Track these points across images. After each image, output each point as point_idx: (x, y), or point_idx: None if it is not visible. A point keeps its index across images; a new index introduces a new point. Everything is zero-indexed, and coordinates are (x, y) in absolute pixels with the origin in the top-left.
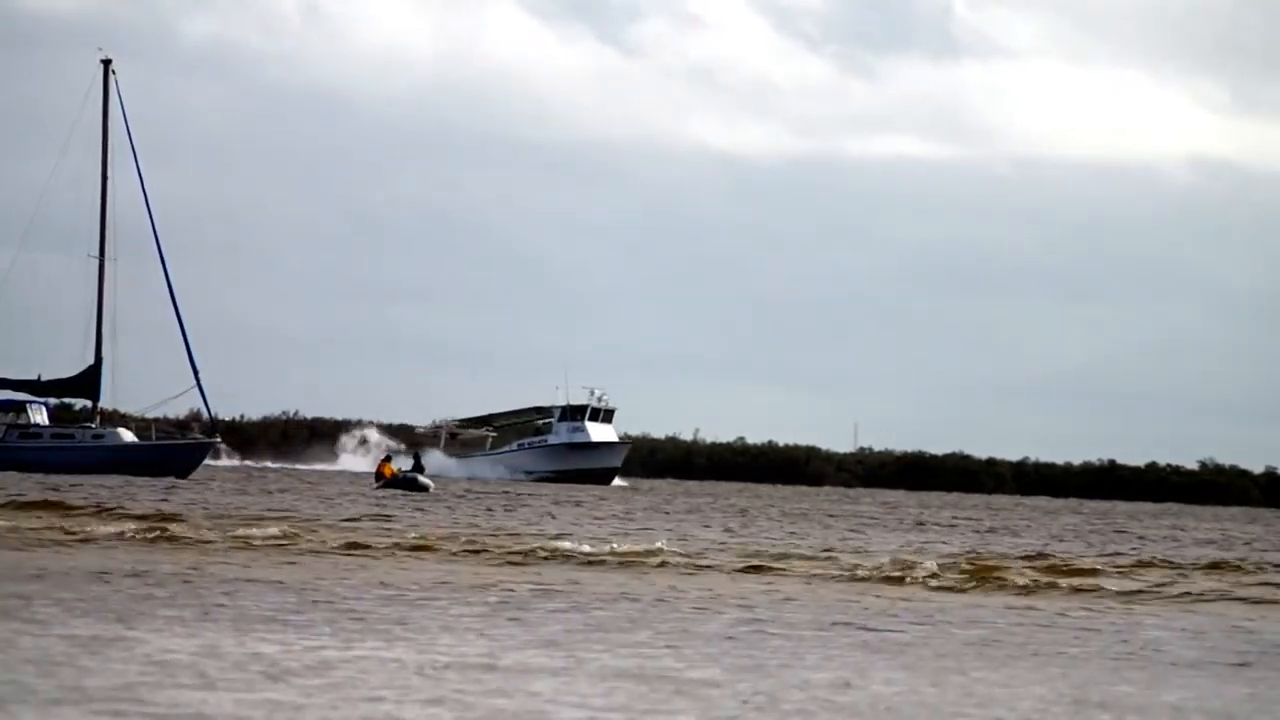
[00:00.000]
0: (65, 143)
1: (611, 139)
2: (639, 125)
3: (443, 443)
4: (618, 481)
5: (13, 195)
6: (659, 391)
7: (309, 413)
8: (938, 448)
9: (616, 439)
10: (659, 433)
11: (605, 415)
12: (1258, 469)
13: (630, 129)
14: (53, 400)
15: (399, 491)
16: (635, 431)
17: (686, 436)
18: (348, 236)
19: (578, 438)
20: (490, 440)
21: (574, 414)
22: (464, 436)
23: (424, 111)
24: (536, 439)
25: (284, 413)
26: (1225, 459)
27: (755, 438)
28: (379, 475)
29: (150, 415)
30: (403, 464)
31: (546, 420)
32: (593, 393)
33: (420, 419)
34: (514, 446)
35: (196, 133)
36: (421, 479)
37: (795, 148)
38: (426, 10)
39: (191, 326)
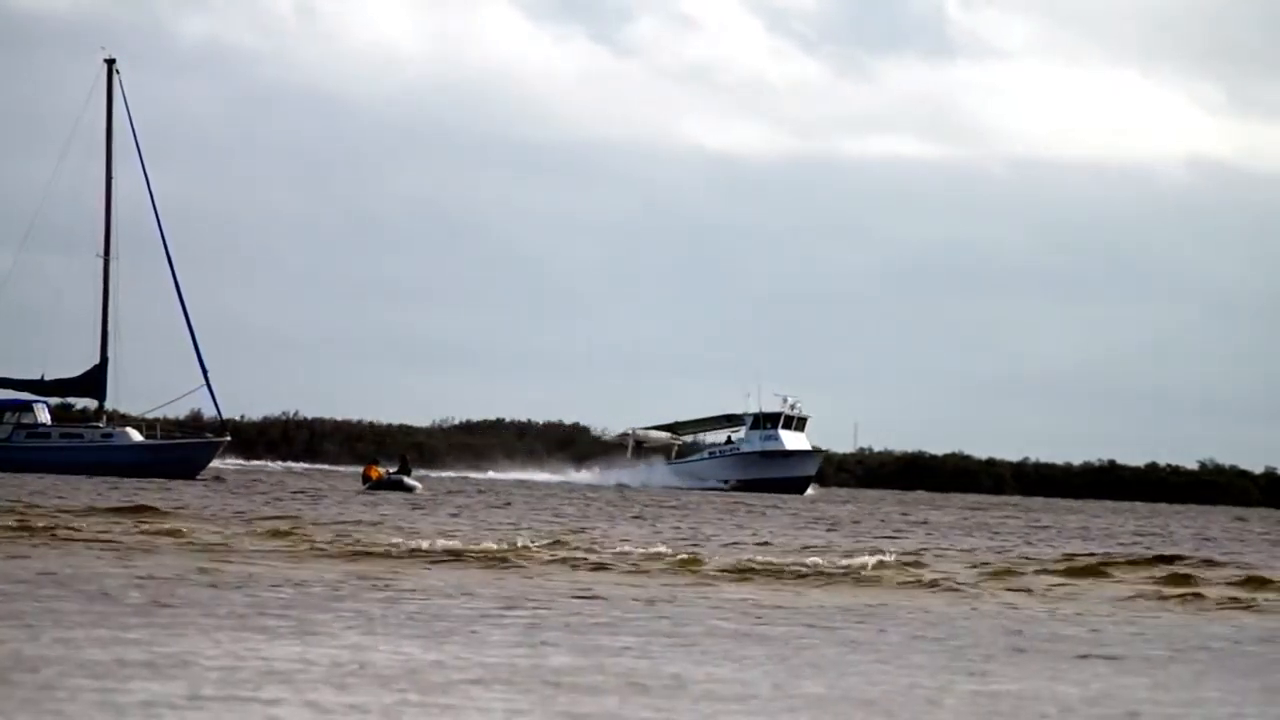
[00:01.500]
0: (67, 143)
1: (609, 139)
2: (636, 125)
3: (630, 451)
4: (810, 491)
5: (13, 196)
6: (659, 391)
7: (308, 413)
8: (938, 448)
9: (810, 447)
10: None
11: (798, 423)
12: (1258, 469)
13: (627, 129)
14: (53, 400)
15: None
16: None
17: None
18: (347, 236)
19: (770, 446)
20: (675, 448)
21: (766, 422)
22: (650, 444)
23: (421, 112)
24: (727, 447)
25: (284, 413)
26: (1225, 459)
27: None
28: (365, 477)
29: (155, 415)
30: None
31: (736, 428)
32: (785, 400)
33: (420, 419)
34: (704, 455)
35: (192, 133)
36: (408, 480)
37: (793, 148)
38: (421, 11)
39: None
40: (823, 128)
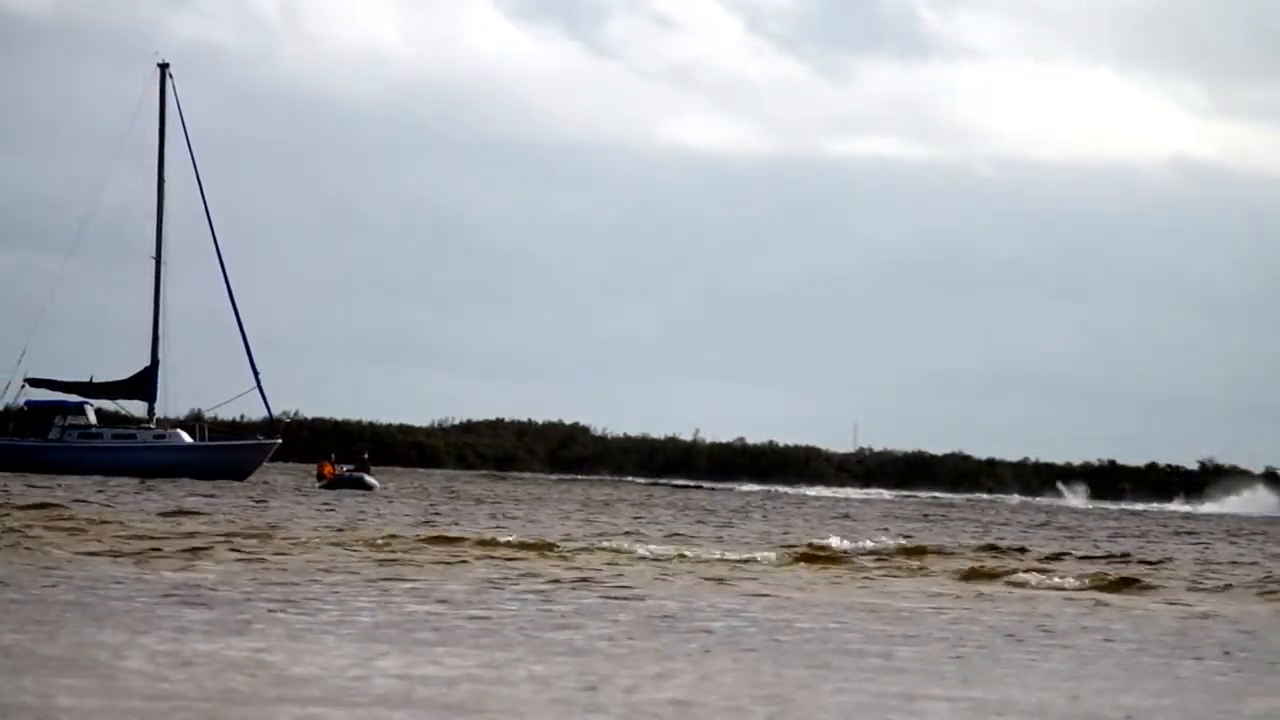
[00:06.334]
0: (118, 146)
1: (593, 139)
2: (618, 125)
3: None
4: None
5: (56, 199)
6: (659, 391)
7: (309, 413)
8: (938, 448)
9: None
10: (659, 433)
11: None
12: (1258, 469)
13: (610, 129)
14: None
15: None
16: (634, 432)
17: (686, 437)
18: (343, 236)
19: None
20: None
21: None
22: None
23: (408, 112)
24: None
25: (284, 413)
26: (1225, 459)
27: (755, 438)
28: (320, 475)
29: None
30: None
31: None
32: None
33: (420, 419)
34: None
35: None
36: (368, 478)
37: (775, 147)
38: (404, 11)
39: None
40: (804, 127)
